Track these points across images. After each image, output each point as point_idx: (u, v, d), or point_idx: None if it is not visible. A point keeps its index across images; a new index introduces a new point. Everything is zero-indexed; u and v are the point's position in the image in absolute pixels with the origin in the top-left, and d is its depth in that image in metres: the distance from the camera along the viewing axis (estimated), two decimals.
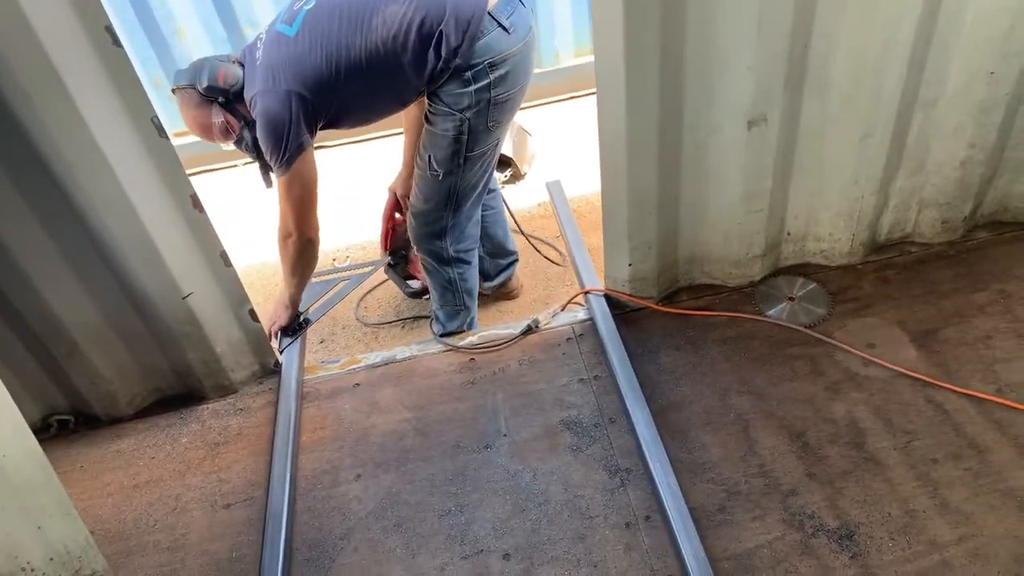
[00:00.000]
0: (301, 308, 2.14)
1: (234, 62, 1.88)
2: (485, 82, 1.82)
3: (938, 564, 1.40)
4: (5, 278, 1.61)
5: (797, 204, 1.91)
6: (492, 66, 1.81)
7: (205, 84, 1.83)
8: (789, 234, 1.98)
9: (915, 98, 1.73)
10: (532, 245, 2.59)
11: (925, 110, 1.76)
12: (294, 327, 2.09)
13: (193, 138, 2.05)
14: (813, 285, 1.98)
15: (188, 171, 1.62)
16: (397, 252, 2.47)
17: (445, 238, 2.11)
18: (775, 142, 1.73)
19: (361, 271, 2.43)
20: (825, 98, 1.69)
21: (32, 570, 1.51)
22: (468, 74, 1.81)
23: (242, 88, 1.85)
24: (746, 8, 1.51)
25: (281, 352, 2.01)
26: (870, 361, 1.77)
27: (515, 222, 2.52)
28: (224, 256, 1.74)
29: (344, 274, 2.53)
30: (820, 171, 1.83)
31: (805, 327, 1.87)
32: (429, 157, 1.96)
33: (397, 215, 2.43)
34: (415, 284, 2.46)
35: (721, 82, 1.62)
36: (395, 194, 2.36)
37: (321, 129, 1.92)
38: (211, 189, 3.03)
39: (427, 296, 2.48)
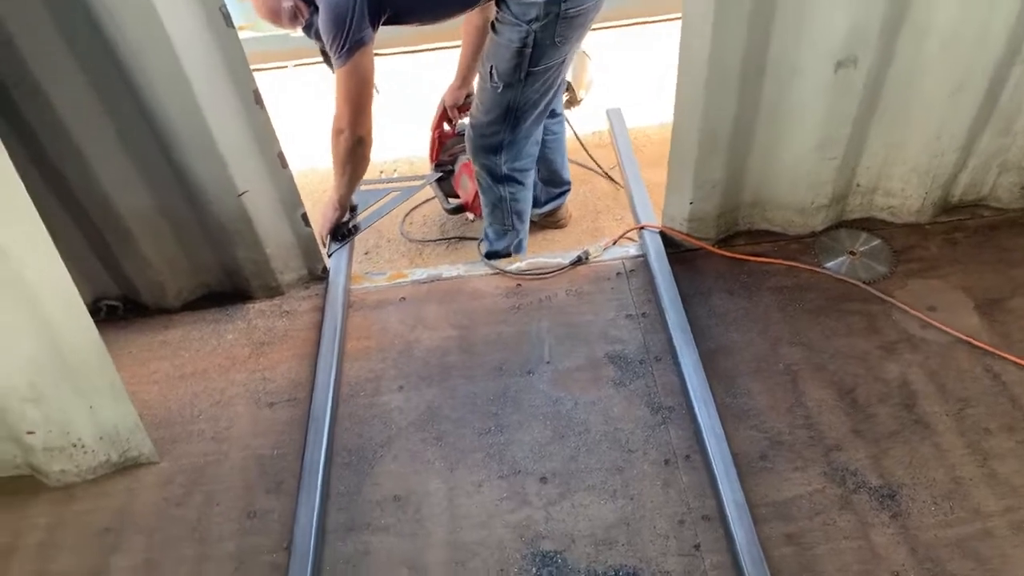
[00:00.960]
0: (350, 215, 2.12)
1: None
2: None
3: (979, 532, 1.39)
4: (65, 159, 1.60)
5: (872, 155, 1.83)
6: None
7: None
8: (858, 185, 1.91)
9: (1018, 52, 1.62)
10: (598, 166, 2.54)
11: None
12: (343, 232, 2.07)
13: (248, 34, 2.00)
14: (877, 241, 1.92)
15: None
16: (443, 164, 2.42)
17: (501, 154, 2.07)
18: (861, 88, 1.64)
19: (411, 184, 2.39)
20: (922, 44, 1.59)
21: (83, 447, 1.56)
22: None
23: None
24: None
25: (329, 256, 2.00)
26: (929, 324, 1.72)
27: (582, 146, 2.47)
28: (281, 157, 1.71)
29: (395, 185, 2.49)
30: (903, 122, 1.74)
31: (865, 283, 1.82)
32: (491, 68, 1.91)
33: (445, 126, 2.37)
34: (455, 200, 2.43)
35: (815, 17, 1.52)
36: (444, 105, 2.30)
37: (385, 24, 1.86)
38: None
39: (466, 214, 2.44)
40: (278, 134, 1.70)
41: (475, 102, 2.05)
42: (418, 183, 2.39)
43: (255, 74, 1.58)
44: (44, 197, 1.57)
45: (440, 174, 2.42)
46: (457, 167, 2.38)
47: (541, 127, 2.11)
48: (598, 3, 1.86)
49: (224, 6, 1.45)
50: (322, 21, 1.78)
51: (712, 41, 1.52)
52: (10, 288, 1.31)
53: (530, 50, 1.84)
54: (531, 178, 2.18)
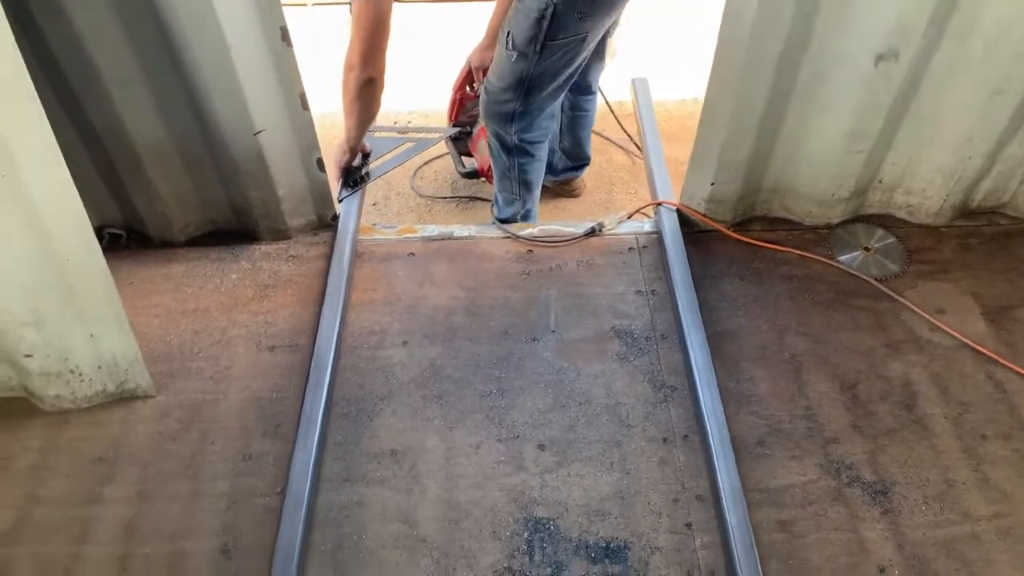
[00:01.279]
0: (363, 161, 2.09)
1: None
2: None
3: (967, 535, 1.40)
4: (82, 83, 1.55)
5: (900, 152, 1.80)
6: None
7: None
8: (880, 181, 1.89)
9: None
10: (628, 136, 2.54)
11: None
12: (355, 179, 2.04)
13: None
14: (892, 239, 1.91)
15: None
16: (462, 125, 2.38)
17: (512, 123, 2.03)
18: (899, 83, 1.61)
19: (427, 135, 2.34)
20: (967, 43, 1.56)
21: (80, 374, 1.54)
22: None
23: None
24: None
25: (340, 201, 1.98)
26: (936, 326, 1.72)
27: (616, 119, 2.44)
28: (303, 97, 1.67)
29: (410, 135, 2.44)
30: (936, 121, 1.71)
31: (876, 280, 1.81)
32: (509, 34, 1.87)
33: (468, 88, 2.33)
34: (469, 163, 2.40)
35: (862, 6, 1.49)
36: (470, 66, 2.26)
37: None
38: None
39: (481, 179, 2.42)
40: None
41: (492, 66, 2.01)
42: (435, 136, 2.34)
43: None
44: (58, 119, 1.51)
45: (457, 130, 2.38)
46: (475, 130, 2.34)
47: (558, 102, 2.06)
48: None
49: None
50: None
51: (755, 22, 1.48)
52: (17, 207, 1.27)
53: (547, 21, 1.79)
54: (543, 150, 2.14)
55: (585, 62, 1.98)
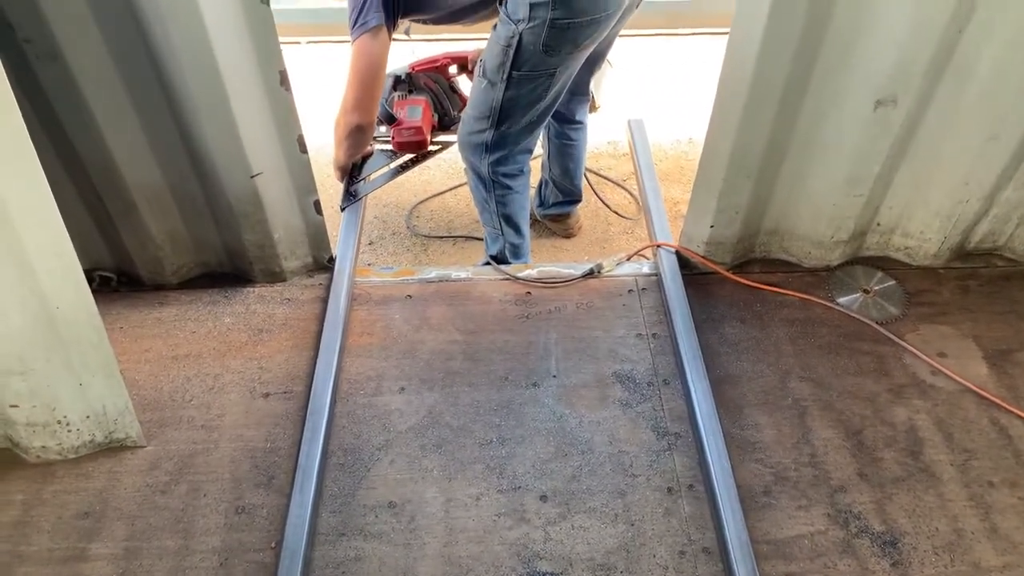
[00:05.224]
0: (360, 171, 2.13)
1: None
2: None
3: None
4: (75, 124, 1.52)
5: (897, 195, 1.81)
6: None
7: None
8: (879, 224, 1.89)
9: None
10: (604, 203, 2.52)
11: None
12: (350, 193, 2.08)
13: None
14: (891, 282, 1.90)
15: None
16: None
17: (485, 154, 2.03)
18: (897, 128, 1.62)
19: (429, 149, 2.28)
20: (963, 89, 1.57)
21: (68, 425, 1.49)
22: None
23: None
24: None
25: (342, 210, 2.04)
26: (939, 371, 1.71)
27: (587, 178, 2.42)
28: (301, 141, 1.65)
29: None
30: (933, 165, 1.72)
31: (877, 323, 1.80)
32: (482, 61, 1.90)
33: (452, 67, 2.25)
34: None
35: (861, 52, 1.50)
36: (469, 53, 2.23)
37: (404, 16, 1.89)
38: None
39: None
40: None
41: (469, 98, 2.03)
42: (435, 148, 2.26)
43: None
44: (49, 160, 1.49)
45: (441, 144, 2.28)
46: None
47: (534, 137, 2.06)
48: (598, 21, 1.79)
49: None
50: None
51: (755, 70, 1.48)
52: (8, 253, 1.23)
53: (513, 50, 1.80)
54: (521, 184, 2.12)
55: (559, 98, 1.98)
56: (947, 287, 1.90)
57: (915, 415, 1.63)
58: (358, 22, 1.82)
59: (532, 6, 1.72)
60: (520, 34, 1.77)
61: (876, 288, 1.89)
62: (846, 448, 1.58)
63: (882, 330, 1.79)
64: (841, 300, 1.86)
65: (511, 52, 1.80)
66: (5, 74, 1.08)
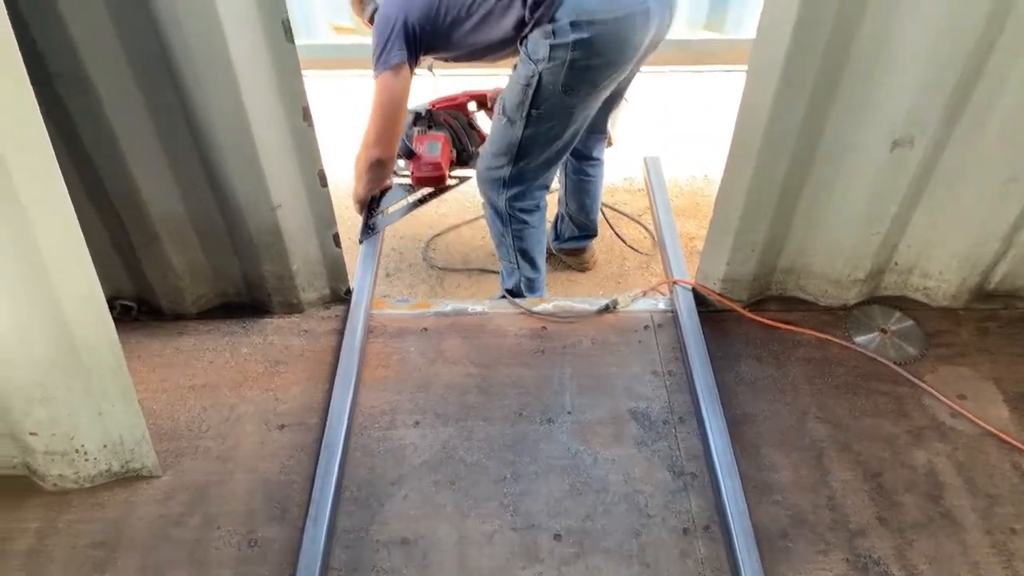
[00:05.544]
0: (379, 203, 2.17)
1: None
2: (564, 40, 1.75)
3: None
4: (102, 155, 1.56)
5: (915, 235, 1.81)
6: (574, 25, 1.73)
7: None
8: (896, 264, 1.89)
9: None
10: (619, 238, 2.53)
11: None
12: (368, 225, 2.12)
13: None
14: (910, 322, 1.89)
15: None
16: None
17: (503, 189, 2.05)
18: (914, 168, 1.62)
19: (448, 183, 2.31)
20: (981, 132, 1.58)
21: (85, 454, 1.50)
22: (550, 27, 1.75)
23: None
24: (928, 21, 1.39)
25: (361, 243, 2.07)
26: (959, 413, 1.69)
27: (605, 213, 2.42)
28: (322, 175, 1.68)
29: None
30: (951, 206, 1.72)
31: (895, 363, 1.79)
32: (503, 99, 1.93)
33: (472, 104, 2.29)
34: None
35: (878, 94, 1.51)
36: (488, 90, 2.27)
37: (426, 53, 1.92)
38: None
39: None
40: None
41: (489, 133, 2.07)
42: (452, 183, 2.29)
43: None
44: (75, 189, 1.51)
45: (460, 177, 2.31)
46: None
47: (551, 173, 2.09)
48: (616, 63, 1.82)
49: (287, 19, 1.42)
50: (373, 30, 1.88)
51: (772, 108, 1.49)
52: (34, 282, 1.26)
53: (533, 89, 1.84)
54: (538, 219, 2.14)
55: (578, 136, 2.00)
56: (966, 328, 1.89)
57: (935, 458, 1.61)
58: (381, 59, 1.86)
59: (552, 47, 1.75)
60: (540, 74, 1.80)
61: (894, 328, 1.88)
62: (865, 491, 1.55)
63: (900, 371, 1.77)
64: (858, 339, 1.85)
65: (531, 91, 1.83)
66: (40, 114, 1.10)
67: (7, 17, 1.04)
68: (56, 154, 1.17)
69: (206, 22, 1.36)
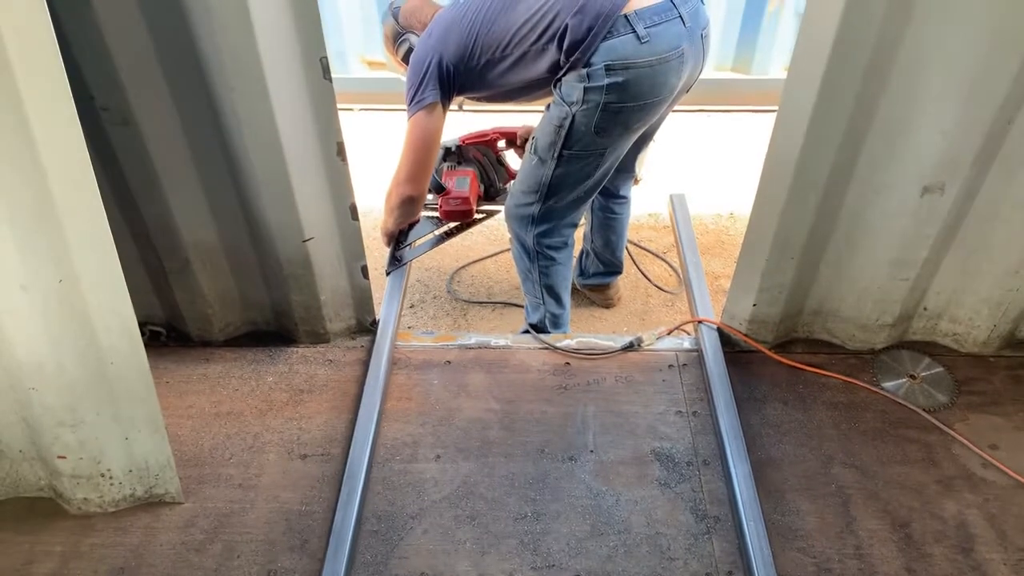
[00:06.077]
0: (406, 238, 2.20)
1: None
2: (599, 84, 1.76)
3: None
4: (139, 184, 1.60)
5: (945, 280, 1.79)
6: (609, 70, 1.75)
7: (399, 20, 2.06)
8: (925, 309, 1.87)
9: None
10: (644, 275, 2.54)
11: None
12: (395, 257, 2.14)
13: None
14: (939, 368, 1.86)
15: None
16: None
17: (531, 226, 2.07)
18: (944, 214, 1.61)
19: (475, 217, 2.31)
20: (1012, 179, 1.57)
21: (111, 478, 1.52)
22: (585, 71, 1.77)
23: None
24: (959, 71, 1.39)
25: (388, 274, 2.10)
26: (990, 463, 1.65)
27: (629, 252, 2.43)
28: (353, 209, 1.70)
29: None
30: (982, 253, 1.70)
31: (924, 410, 1.76)
32: (535, 138, 1.95)
33: (501, 141, 2.31)
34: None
35: (908, 141, 1.51)
36: (517, 128, 2.29)
37: (459, 93, 1.95)
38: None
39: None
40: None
41: (519, 170, 2.09)
42: (480, 217, 2.31)
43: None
44: (113, 216, 1.54)
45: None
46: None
47: (580, 211, 2.10)
48: (650, 105, 1.83)
49: (325, 58, 1.46)
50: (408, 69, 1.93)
51: (801, 153, 1.50)
52: (71, 309, 1.29)
53: (565, 131, 1.85)
54: (565, 256, 2.15)
55: (607, 176, 2.01)
56: (998, 376, 1.86)
57: (966, 509, 1.58)
58: (415, 99, 1.88)
59: (587, 90, 1.77)
60: (573, 115, 1.82)
61: (923, 374, 1.85)
62: (893, 541, 1.52)
63: (930, 418, 1.74)
64: (886, 385, 1.82)
65: (563, 132, 1.85)
66: (87, 154, 1.14)
67: (59, 53, 1.08)
68: (98, 183, 1.20)
69: (247, 60, 1.40)
